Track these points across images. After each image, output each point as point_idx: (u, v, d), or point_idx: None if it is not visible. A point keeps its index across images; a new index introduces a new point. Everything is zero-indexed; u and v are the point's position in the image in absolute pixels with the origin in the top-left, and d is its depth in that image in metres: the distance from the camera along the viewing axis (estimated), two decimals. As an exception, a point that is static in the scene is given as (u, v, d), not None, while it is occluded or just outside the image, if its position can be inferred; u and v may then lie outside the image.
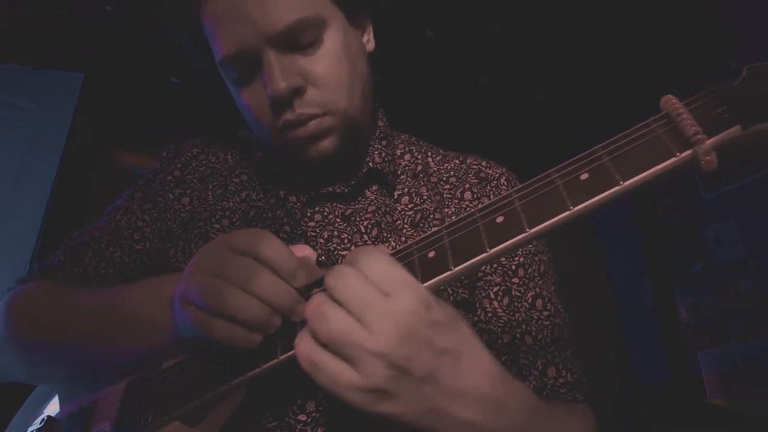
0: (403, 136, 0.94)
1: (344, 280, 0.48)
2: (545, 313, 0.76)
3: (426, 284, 0.50)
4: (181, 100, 2.85)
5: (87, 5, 2.38)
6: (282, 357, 0.54)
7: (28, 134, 2.39)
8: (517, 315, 0.76)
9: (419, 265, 0.52)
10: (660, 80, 2.71)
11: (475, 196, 0.83)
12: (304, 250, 0.60)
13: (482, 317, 0.76)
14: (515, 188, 0.52)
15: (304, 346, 0.48)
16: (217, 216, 0.80)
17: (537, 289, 0.78)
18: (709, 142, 0.40)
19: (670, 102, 0.43)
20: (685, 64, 2.58)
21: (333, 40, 0.73)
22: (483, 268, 0.79)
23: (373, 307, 0.47)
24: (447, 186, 0.85)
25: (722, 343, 2.65)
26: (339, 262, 0.68)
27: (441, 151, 0.92)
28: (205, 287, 0.54)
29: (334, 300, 0.48)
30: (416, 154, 0.90)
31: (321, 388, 0.47)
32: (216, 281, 0.54)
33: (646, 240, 3.14)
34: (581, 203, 0.45)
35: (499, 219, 0.50)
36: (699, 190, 2.83)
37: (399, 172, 0.86)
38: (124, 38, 2.55)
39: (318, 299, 0.49)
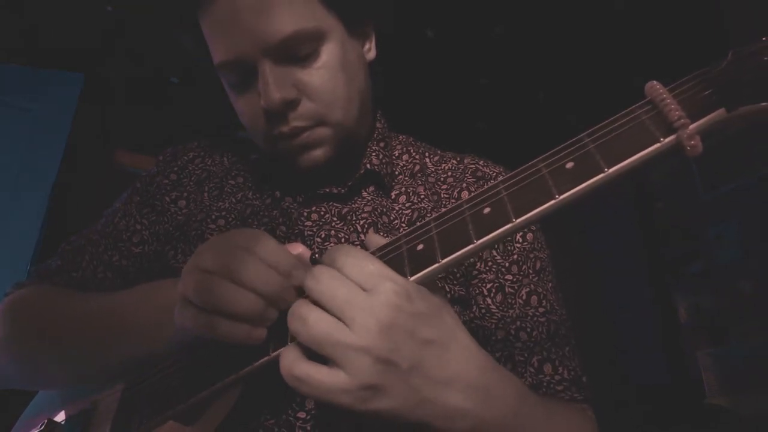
0: (401, 137, 0.94)
1: (321, 280, 0.48)
2: (540, 309, 0.76)
3: (415, 277, 0.50)
4: (181, 100, 2.86)
5: (87, 5, 2.39)
6: (274, 354, 0.54)
7: (28, 134, 2.40)
8: (511, 311, 0.75)
9: (408, 258, 0.52)
10: (662, 76, 2.70)
11: (472, 195, 0.83)
12: (297, 248, 0.59)
13: (476, 314, 0.76)
14: (502, 179, 0.52)
15: (286, 361, 0.48)
16: (213, 216, 0.80)
17: (532, 285, 0.77)
18: (693, 126, 0.40)
19: (654, 88, 0.43)
20: (687, 60, 2.57)
21: (330, 52, 0.73)
22: (477, 266, 0.78)
23: (352, 304, 0.46)
24: (444, 186, 0.85)
25: (722, 344, 2.64)
26: None
27: (439, 152, 0.92)
28: (198, 283, 0.54)
29: (313, 301, 0.48)
30: (414, 154, 0.90)
31: (310, 398, 0.47)
32: (208, 276, 0.54)
33: (645, 240, 3.13)
34: (567, 191, 0.45)
35: (486, 210, 0.50)
36: (698, 190, 2.82)
37: (396, 172, 0.86)
38: (124, 38, 2.56)
39: (296, 303, 0.49)
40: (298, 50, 0.70)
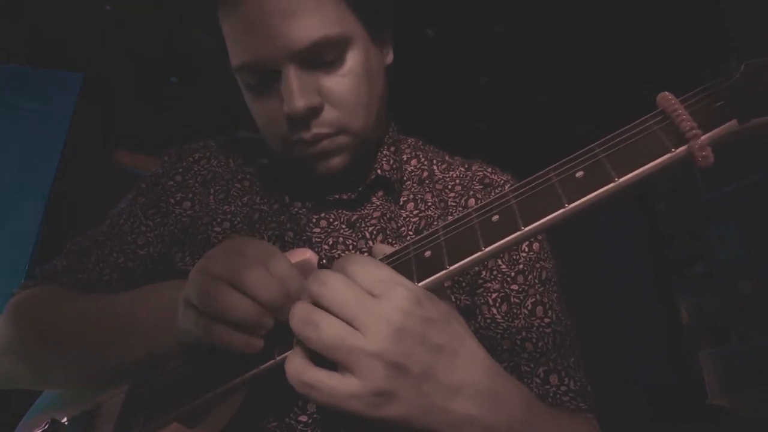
0: (409, 141, 0.93)
1: (330, 285, 0.48)
2: (546, 320, 0.75)
3: (422, 283, 0.50)
4: (181, 100, 2.86)
5: (87, 5, 2.38)
6: (279, 358, 0.53)
7: (28, 134, 2.40)
8: (516, 322, 0.75)
9: (415, 265, 0.51)
10: (665, 79, 2.70)
11: (479, 202, 0.81)
12: (305, 253, 0.60)
13: (482, 324, 0.76)
14: (512, 188, 0.51)
15: (294, 368, 0.47)
16: (218, 219, 0.79)
17: (537, 296, 0.77)
18: (705, 137, 0.40)
19: (666, 99, 0.43)
20: (690, 65, 2.57)
21: (355, 59, 0.72)
22: (482, 275, 0.78)
23: (363, 309, 0.46)
24: (452, 194, 0.84)
25: (723, 344, 2.65)
26: None
27: (447, 158, 0.91)
28: (202, 287, 0.54)
29: (321, 307, 0.48)
30: (423, 160, 0.89)
31: (320, 405, 0.46)
32: (213, 281, 0.54)
33: (648, 241, 3.14)
34: (576, 200, 0.45)
35: (495, 217, 0.49)
36: (701, 191, 2.83)
37: (405, 178, 0.85)
38: (124, 38, 2.55)
39: (304, 308, 0.48)
40: (324, 56, 0.69)
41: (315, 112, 0.71)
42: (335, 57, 0.71)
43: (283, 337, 0.53)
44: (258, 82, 0.73)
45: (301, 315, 0.48)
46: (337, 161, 0.74)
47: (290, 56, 0.68)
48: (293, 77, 0.69)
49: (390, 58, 0.84)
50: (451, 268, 0.49)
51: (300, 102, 0.68)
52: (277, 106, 0.71)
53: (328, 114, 0.72)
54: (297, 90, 0.69)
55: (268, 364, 0.54)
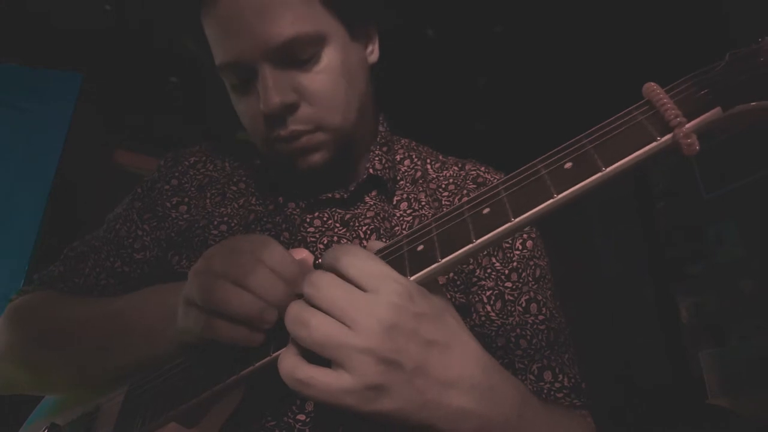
0: (403, 141, 0.94)
1: (320, 287, 0.48)
2: (540, 317, 0.76)
3: (415, 277, 0.50)
4: (181, 100, 2.86)
5: (87, 5, 2.39)
6: (274, 354, 0.54)
7: (28, 134, 2.40)
8: (511, 319, 0.75)
9: (408, 259, 0.52)
10: (663, 78, 2.69)
11: (472, 196, 0.83)
12: (301, 254, 0.60)
13: (476, 321, 0.76)
14: (501, 180, 0.52)
15: (287, 365, 0.47)
16: (215, 222, 0.80)
17: (531, 293, 0.77)
18: (689, 125, 0.40)
19: (652, 89, 0.43)
20: (688, 63, 2.57)
21: (331, 57, 0.72)
22: (477, 273, 0.79)
23: (354, 306, 0.46)
24: (445, 193, 0.85)
25: (723, 344, 2.64)
26: None
27: (440, 158, 0.92)
28: (202, 284, 0.55)
29: (314, 306, 0.48)
30: (416, 160, 0.90)
31: (314, 401, 0.47)
32: (212, 278, 0.54)
33: (646, 240, 3.14)
34: (565, 191, 0.45)
35: (486, 210, 0.50)
36: (700, 190, 2.83)
37: (398, 178, 0.86)
38: (123, 38, 2.56)
39: (296, 307, 0.49)
40: (299, 54, 0.70)
41: (290, 109, 0.72)
42: (310, 55, 0.71)
43: (280, 335, 0.54)
44: (239, 82, 0.74)
45: (293, 314, 0.48)
46: (316, 158, 0.75)
47: (264, 55, 0.69)
48: (268, 75, 0.70)
49: (375, 56, 0.84)
50: (444, 260, 0.49)
51: (275, 99, 0.69)
52: (257, 105, 0.72)
53: (304, 111, 0.72)
54: (272, 87, 0.69)
55: (263, 361, 0.54)
